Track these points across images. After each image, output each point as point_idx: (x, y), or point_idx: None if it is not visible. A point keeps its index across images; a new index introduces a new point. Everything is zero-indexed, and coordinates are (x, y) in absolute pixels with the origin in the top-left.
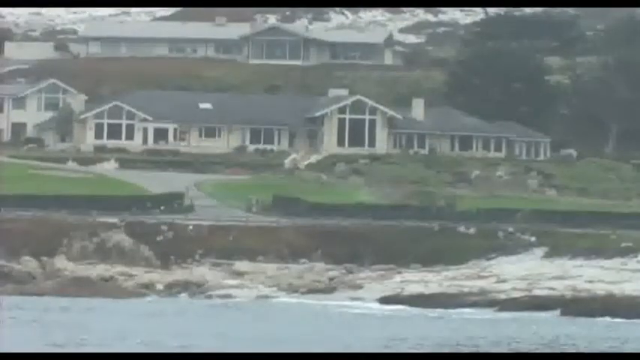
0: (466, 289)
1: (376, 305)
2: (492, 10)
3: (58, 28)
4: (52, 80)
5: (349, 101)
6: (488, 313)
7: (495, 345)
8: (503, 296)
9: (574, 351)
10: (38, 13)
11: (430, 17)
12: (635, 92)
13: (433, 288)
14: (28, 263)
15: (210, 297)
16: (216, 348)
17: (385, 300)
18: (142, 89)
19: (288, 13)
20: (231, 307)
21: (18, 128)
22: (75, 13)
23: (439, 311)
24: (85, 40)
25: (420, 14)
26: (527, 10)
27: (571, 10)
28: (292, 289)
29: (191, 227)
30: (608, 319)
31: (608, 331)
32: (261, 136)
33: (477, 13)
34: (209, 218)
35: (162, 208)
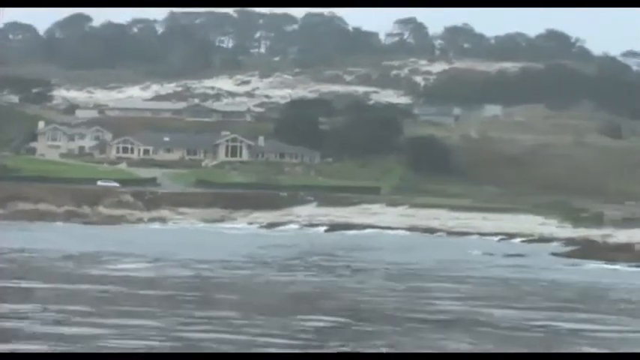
0: (286, 219)
1: (244, 226)
2: (297, 97)
3: (101, 103)
4: (98, 126)
5: (230, 137)
6: (295, 230)
7: (301, 245)
8: (302, 222)
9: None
10: (91, 97)
11: (266, 100)
12: (364, 132)
13: (270, 219)
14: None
15: (166, 224)
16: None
17: (247, 224)
18: (137, 132)
19: (208, 95)
20: (176, 229)
21: (81, 150)
22: (108, 97)
23: (278, 229)
24: (113, 108)
25: (264, 100)
26: (313, 96)
27: (331, 98)
28: (206, 220)
29: (160, 193)
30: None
31: (338, 240)
32: (193, 152)
33: (287, 98)
34: (168, 189)
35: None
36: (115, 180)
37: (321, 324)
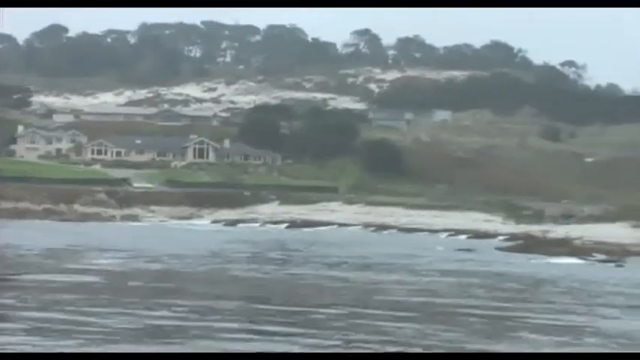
0: (250, 216)
1: (209, 223)
2: (260, 103)
3: (77, 108)
4: (74, 130)
5: (197, 140)
6: (257, 226)
7: (263, 240)
8: (264, 219)
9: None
10: (67, 103)
11: (231, 105)
12: (322, 136)
13: (235, 216)
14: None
15: (140, 220)
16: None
17: (214, 221)
18: (111, 136)
19: (171, 102)
20: (149, 226)
21: (58, 152)
22: (83, 102)
23: (240, 225)
24: (88, 113)
25: (229, 105)
26: (275, 102)
27: (292, 104)
28: (175, 217)
29: (132, 191)
30: (305, 228)
31: (303, 235)
32: (163, 154)
33: (251, 103)
34: (141, 188)
35: (120, 183)
36: (89, 179)
37: (284, 309)
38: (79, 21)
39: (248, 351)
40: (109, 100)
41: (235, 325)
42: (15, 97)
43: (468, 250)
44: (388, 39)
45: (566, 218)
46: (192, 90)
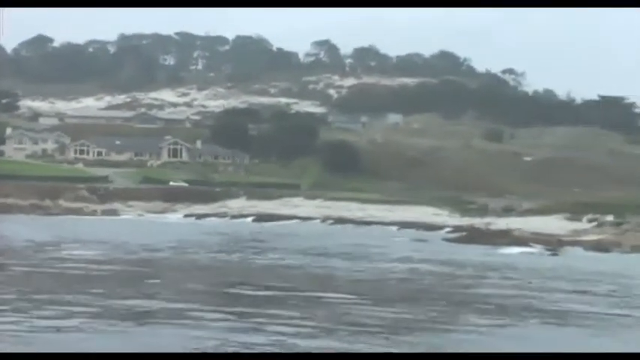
0: (220, 210)
1: (180, 218)
2: (230, 107)
3: (61, 112)
4: (58, 132)
5: (172, 141)
6: (225, 220)
7: (232, 232)
8: (233, 213)
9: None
10: (52, 107)
11: (203, 109)
12: (286, 137)
13: (206, 210)
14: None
15: (119, 214)
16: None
17: (187, 215)
18: (92, 137)
19: (148, 107)
20: (127, 219)
21: (44, 152)
22: (67, 106)
23: (213, 219)
24: (72, 116)
25: (201, 109)
26: (243, 106)
27: (258, 108)
28: (152, 211)
29: (112, 188)
30: (269, 222)
31: (277, 228)
32: (140, 154)
33: (221, 107)
34: (120, 186)
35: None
36: (72, 177)
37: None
38: (63, 31)
39: (230, 342)
40: (90, 105)
41: (200, 307)
42: (4, 101)
43: (419, 240)
44: (346, 49)
45: (507, 212)
46: (167, 95)
